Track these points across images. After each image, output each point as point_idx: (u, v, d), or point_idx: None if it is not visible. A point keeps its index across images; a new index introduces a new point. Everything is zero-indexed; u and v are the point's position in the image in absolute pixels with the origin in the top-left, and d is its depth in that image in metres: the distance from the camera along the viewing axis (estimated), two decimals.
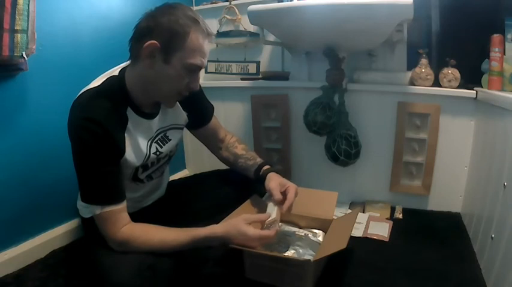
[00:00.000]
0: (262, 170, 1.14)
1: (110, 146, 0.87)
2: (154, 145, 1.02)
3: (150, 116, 0.99)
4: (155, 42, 0.85)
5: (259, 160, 1.17)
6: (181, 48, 0.86)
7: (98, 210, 0.88)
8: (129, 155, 0.93)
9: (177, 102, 1.07)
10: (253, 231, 0.95)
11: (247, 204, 1.15)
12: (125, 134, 0.92)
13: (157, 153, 1.02)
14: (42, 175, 1.23)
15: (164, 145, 1.05)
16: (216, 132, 1.22)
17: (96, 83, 0.91)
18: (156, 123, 1.02)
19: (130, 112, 0.93)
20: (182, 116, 1.11)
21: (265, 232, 0.98)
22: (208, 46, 0.91)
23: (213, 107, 1.21)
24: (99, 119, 0.84)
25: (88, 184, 0.89)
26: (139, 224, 0.92)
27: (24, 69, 1.10)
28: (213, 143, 1.23)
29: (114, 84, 0.91)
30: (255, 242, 0.96)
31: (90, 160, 0.86)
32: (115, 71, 0.95)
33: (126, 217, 0.91)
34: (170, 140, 1.07)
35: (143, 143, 0.98)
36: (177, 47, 0.86)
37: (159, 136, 1.04)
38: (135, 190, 1.05)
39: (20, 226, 1.18)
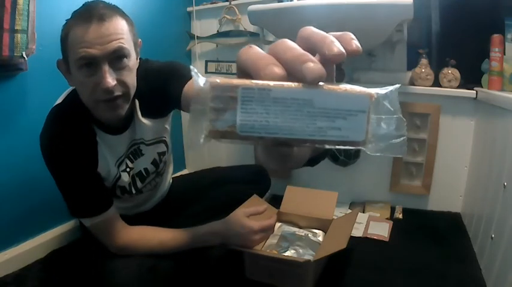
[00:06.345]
0: None
1: (81, 157, 0.83)
2: (125, 161, 0.93)
3: (116, 130, 0.89)
4: (59, 59, 0.82)
5: None
6: (68, 52, 0.77)
7: (88, 222, 0.86)
8: (101, 169, 0.88)
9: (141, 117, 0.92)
10: (253, 223, 0.94)
11: (247, 204, 1.15)
12: (97, 146, 0.87)
13: (128, 169, 0.94)
14: (42, 175, 1.21)
15: (136, 159, 0.96)
16: None
17: (60, 99, 0.87)
18: (125, 138, 0.92)
19: (95, 127, 0.87)
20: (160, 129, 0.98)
21: (266, 222, 0.98)
22: (92, 31, 0.73)
23: None
24: (64, 136, 0.82)
25: (71, 199, 0.86)
26: (136, 227, 0.91)
27: (24, 69, 1.10)
28: None
29: (75, 99, 0.84)
30: (257, 235, 0.95)
31: (66, 175, 0.83)
32: None
33: (118, 222, 0.89)
34: (143, 155, 0.97)
35: (112, 162, 0.90)
36: (66, 52, 0.78)
37: (131, 149, 0.94)
38: (123, 200, 1.00)
39: (20, 226, 1.18)
